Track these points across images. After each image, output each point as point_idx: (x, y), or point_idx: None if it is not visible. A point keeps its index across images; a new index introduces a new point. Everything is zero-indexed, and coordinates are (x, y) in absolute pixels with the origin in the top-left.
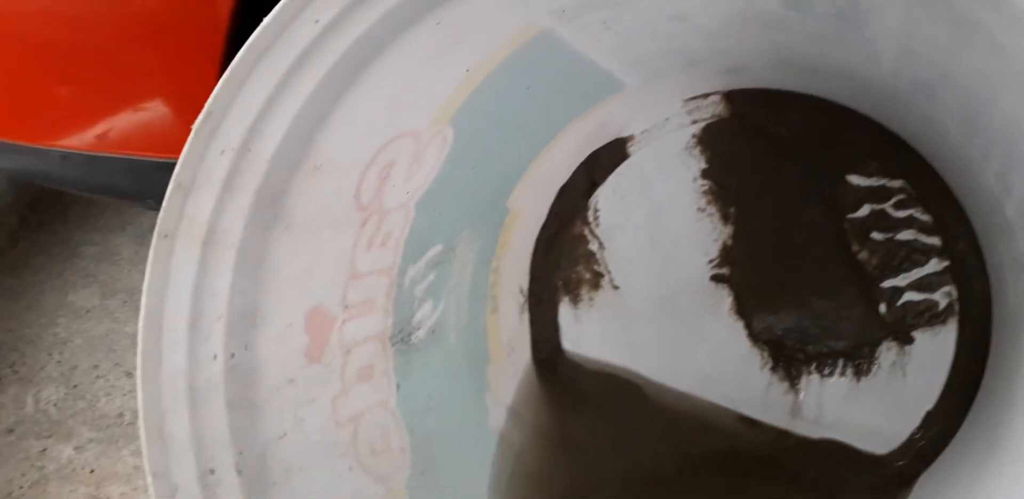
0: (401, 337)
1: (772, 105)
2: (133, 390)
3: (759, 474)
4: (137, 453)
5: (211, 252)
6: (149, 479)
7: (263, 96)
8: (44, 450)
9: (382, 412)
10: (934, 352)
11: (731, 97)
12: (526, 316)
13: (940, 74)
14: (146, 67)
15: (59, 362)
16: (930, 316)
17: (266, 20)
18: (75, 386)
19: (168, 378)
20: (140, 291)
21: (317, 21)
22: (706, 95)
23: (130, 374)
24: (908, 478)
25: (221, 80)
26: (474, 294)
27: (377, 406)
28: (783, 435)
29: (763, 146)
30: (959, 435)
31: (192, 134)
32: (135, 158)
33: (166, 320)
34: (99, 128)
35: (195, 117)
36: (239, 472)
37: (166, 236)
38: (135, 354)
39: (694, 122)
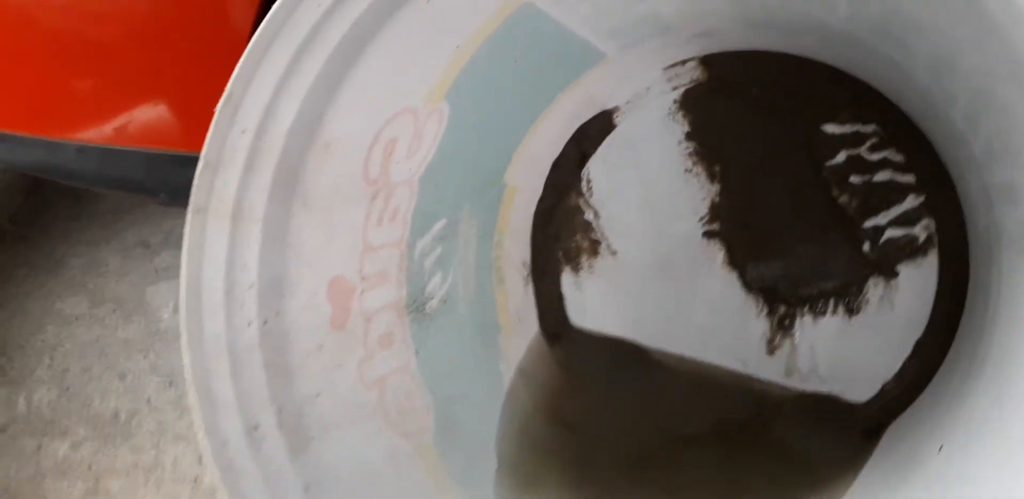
0: (416, 307)
1: (745, 66)
2: (127, 392)
3: (747, 444)
4: (136, 450)
5: (239, 226)
6: (200, 434)
7: (275, 78)
8: (39, 447)
9: (404, 376)
10: (918, 283)
11: (707, 61)
12: (531, 287)
13: (891, 12)
14: (166, 61)
15: (50, 366)
16: (911, 249)
17: (275, 6)
18: (68, 388)
19: (210, 342)
20: (129, 301)
21: (319, 5)
22: (683, 62)
23: (123, 377)
24: (891, 418)
25: (239, 63)
26: (480, 267)
27: (399, 370)
28: (774, 393)
29: (741, 106)
30: (945, 364)
31: (216, 115)
32: (151, 151)
33: (204, 289)
34: (116, 121)
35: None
36: (280, 428)
37: (199, 211)
38: (127, 358)
39: (674, 89)
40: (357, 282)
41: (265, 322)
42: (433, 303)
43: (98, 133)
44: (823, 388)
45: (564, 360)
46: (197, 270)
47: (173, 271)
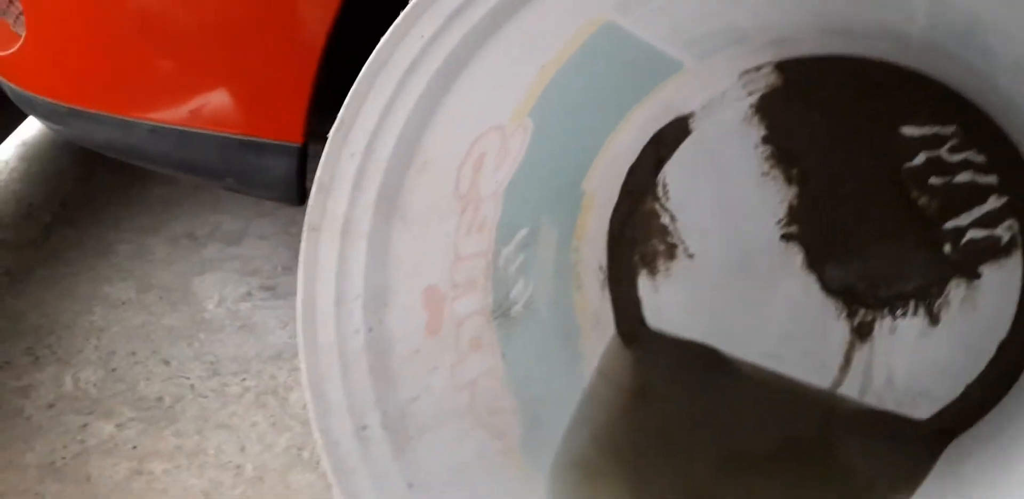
0: (501, 312)
1: (821, 70)
2: (171, 376)
3: (810, 464)
4: (179, 434)
5: (348, 241)
6: (316, 435)
7: (381, 105)
8: (85, 425)
9: (492, 378)
10: (1002, 284)
11: (782, 67)
12: (607, 291)
13: (973, 21)
14: (249, 47)
15: (96, 347)
16: (994, 251)
17: (384, 38)
18: (114, 370)
19: (323, 349)
20: (175, 290)
21: (422, 36)
22: (758, 67)
23: (168, 362)
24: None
25: (350, 93)
26: (559, 272)
27: (487, 373)
28: (844, 407)
29: (817, 109)
30: None
31: (329, 141)
32: (222, 135)
33: (318, 301)
34: (193, 104)
35: (289, 99)
36: (385, 428)
37: (314, 229)
38: (171, 345)
39: (750, 94)
40: (449, 290)
41: (370, 329)
42: (517, 308)
43: (172, 115)
44: (893, 403)
45: (641, 363)
46: (312, 284)
47: (219, 263)
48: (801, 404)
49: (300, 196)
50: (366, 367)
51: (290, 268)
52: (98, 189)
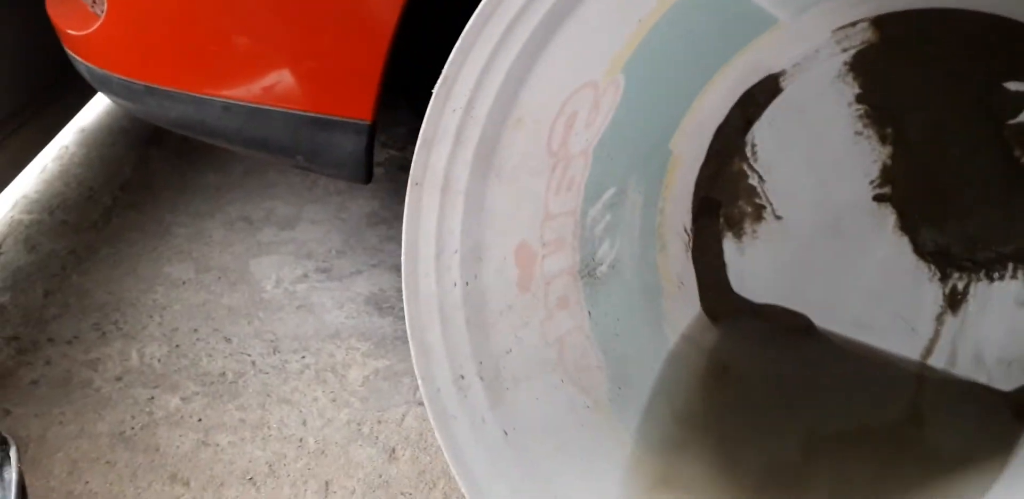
0: (587, 271)
1: (919, 24)
2: (233, 353)
3: (893, 441)
4: (242, 408)
5: (447, 197)
6: (420, 382)
7: (483, 60)
8: (152, 398)
9: (579, 335)
10: None
11: (879, 22)
12: (691, 254)
13: None
14: (322, 25)
15: (160, 324)
16: None
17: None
18: (177, 346)
19: (424, 300)
20: (232, 271)
21: None
22: (854, 23)
23: (229, 339)
24: None
25: (455, 48)
26: (644, 233)
27: (575, 330)
28: (931, 378)
29: (915, 65)
30: None
31: (433, 96)
32: (295, 113)
33: (420, 253)
34: (265, 81)
35: (360, 77)
36: (481, 378)
37: (416, 184)
38: (232, 323)
39: (844, 50)
40: (539, 248)
41: (467, 284)
42: (603, 268)
43: (245, 92)
44: (984, 374)
45: (727, 334)
46: (414, 237)
47: (274, 246)
48: (890, 377)
49: (368, 174)
50: (463, 319)
51: (343, 252)
52: (155, 174)
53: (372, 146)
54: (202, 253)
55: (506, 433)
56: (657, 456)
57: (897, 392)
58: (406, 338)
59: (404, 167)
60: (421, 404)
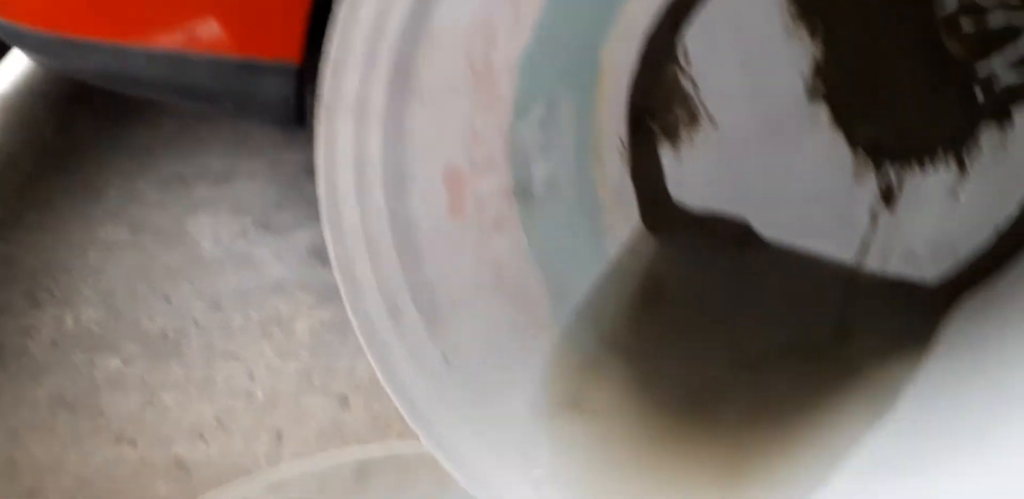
0: (522, 190)
1: None
2: (174, 312)
3: (822, 356)
4: (186, 366)
5: (363, 122)
6: (351, 315)
7: None
8: (91, 361)
9: (517, 256)
10: None
11: None
12: (628, 165)
13: None
14: None
15: (95, 288)
16: None
17: None
18: (114, 308)
19: (348, 231)
20: (168, 230)
21: None
22: None
23: (169, 299)
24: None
25: None
26: (579, 147)
27: (513, 251)
28: (866, 284)
29: None
30: None
31: (337, 15)
32: (219, 58)
33: (339, 183)
34: (186, 25)
35: (284, 18)
36: (417, 305)
37: (327, 108)
38: (171, 283)
39: None
40: (468, 170)
41: (392, 210)
42: (538, 186)
43: (166, 39)
44: (915, 266)
45: (664, 247)
46: (331, 166)
47: (212, 204)
48: (822, 291)
49: (300, 118)
50: (392, 248)
51: (282, 205)
52: (80, 136)
53: (303, 90)
54: (136, 214)
55: (446, 359)
56: (570, 380)
57: (827, 307)
58: None
59: None
60: None
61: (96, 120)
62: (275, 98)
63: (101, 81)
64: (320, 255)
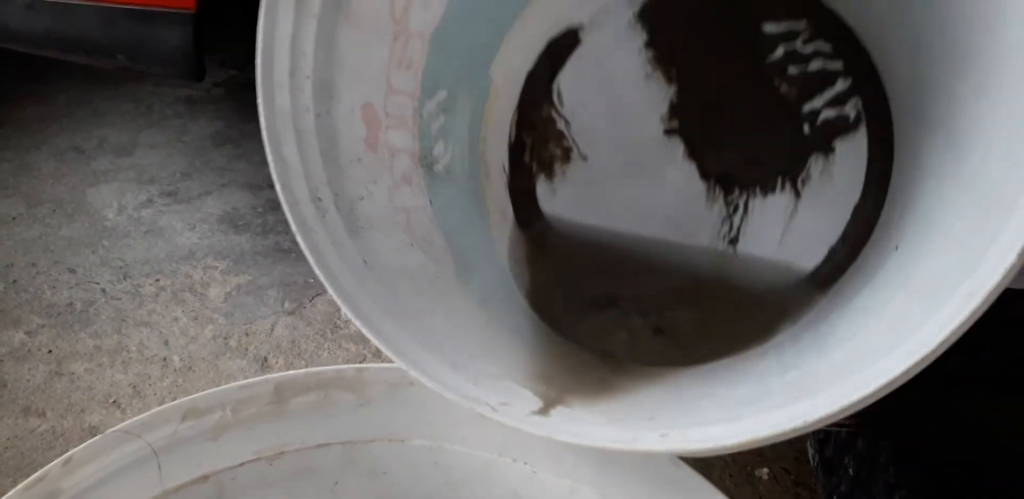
0: (427, 163)
1: None
2: (79, 283)
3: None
4: (96, 336)
5: (301, 16)
6: (278, 187)
7: None
8: None
9: (423, 216)
10: (852, 155)
11: None
12: (508, 192)
13: None
14: None
15: None
16: (844, 126)
17: None
18: (14, 281)
19: (279, 114)
20: (69, 202)
21: None
22: None
23: (73, 270)
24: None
25: None
26: (472, 154)
27: (419, 210)
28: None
29: (691, 14)
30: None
31: None
32: (108, 5)
33: (275, 63)
34: None
35: None
36: (337, 209)
37: None
38: (75, 254)
39: (632, 4)
40: (383, 116)
41: (318, 115)
42: (439, 167)
43: None
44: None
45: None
46: (270, 44)
47: (112, 174)
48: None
49: (199, 71)
50: (317, 149)
51: (189, 174)
52: None
53: (200, 40)
54: (31, 186)
55: (366, 262)
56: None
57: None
58: (267, 253)
59: (245, 86)
60: (290, 314)
61: None
62: (170, 48)
63: None
64: (232, 221)
